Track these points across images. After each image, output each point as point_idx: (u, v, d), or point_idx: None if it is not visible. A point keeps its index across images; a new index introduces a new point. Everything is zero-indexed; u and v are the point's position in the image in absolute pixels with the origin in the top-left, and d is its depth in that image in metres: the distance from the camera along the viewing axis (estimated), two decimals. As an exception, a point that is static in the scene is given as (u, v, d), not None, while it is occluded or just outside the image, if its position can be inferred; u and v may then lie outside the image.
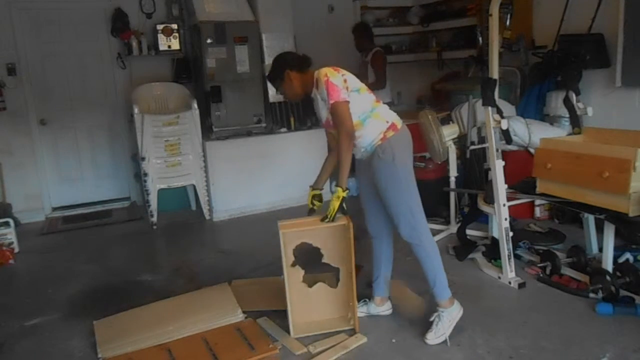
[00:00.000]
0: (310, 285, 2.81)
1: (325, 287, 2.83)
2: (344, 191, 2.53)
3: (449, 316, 2.67)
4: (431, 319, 2.67)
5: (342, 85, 2.54)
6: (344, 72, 2.63)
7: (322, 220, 2.60)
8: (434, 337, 2.61)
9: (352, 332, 2.74)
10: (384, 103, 2.73)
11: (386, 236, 2.86)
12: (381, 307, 2.93)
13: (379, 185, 2.64)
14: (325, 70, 2.58)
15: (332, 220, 2.57)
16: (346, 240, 2.66)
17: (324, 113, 2.66)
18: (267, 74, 2.81)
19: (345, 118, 2.52)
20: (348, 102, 2.54)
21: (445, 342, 2.60)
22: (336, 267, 2.80)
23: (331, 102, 2.52)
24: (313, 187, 2.80)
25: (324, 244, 2.76)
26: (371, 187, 2.73)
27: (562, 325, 2.72)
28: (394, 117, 2.67)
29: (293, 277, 2.77)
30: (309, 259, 2.77)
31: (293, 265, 2.75)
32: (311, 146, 5.17)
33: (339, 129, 2.54)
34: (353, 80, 2.62)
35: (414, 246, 2.68)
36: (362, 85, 2.65)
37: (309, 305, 2.82)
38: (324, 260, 2.79)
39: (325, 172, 2.84)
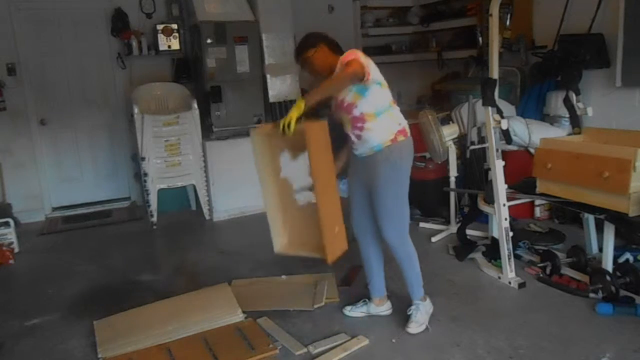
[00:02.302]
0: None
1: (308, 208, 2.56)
2: (305, 105, 2.33)
3: (425, 308, 2.78)
4: (409, 312, 2.77)
5: (366, 63, 2.50)
6: (372, 62, 2.60)
7: (275, 127, 2.37)
8: (416, 327, 2.71)
9: (353, 333, 2.74)
10: None
11: (372, 237, 2.85)
12: (381, 307, 2.94)
13: (378, 185, 2.63)
14: (356, 50, 2.55)
15: (287, 130, 2.29)
16: (309, 147, 2.33)
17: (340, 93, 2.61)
18: (296, 47, 2.72)
19: (357, 65, 2.43)
20: (365, 67, 2.46)
21: (427, 329, 2.72)
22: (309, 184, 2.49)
23: (350, 57, 2.46)
24: None
25: (293, 144, 2.49)
26: (364, 188, 2.72)
27: (562, 325, 2.72)
28: (404, 122, 2.67)
29: (269, 187, 2.59)
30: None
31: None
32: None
33: (347, 68, 2.43)
34: (377, 73, 2.59)
35: (397, 250, 2.71)
36: (384, 81, 2.62)
37: (290, 221, 2.64)
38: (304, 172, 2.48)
39: (340, 160, 2.75)
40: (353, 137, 2.64)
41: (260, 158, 2.56)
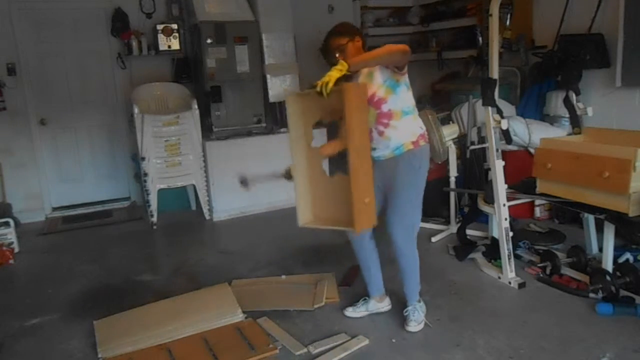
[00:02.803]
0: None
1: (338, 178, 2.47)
2: (348, 70, 2.28)
3: (421, 309, 2.82)
4: (406, 313, 2.79)
5: None
6: None
7: (312, 87, 2.26)
8: (415, 325, 2.74)
9: (353, 333, 2.74)
10: None
11: (369, 237, 2.84)
12: (381, 304, 2.95)
13: (396, 187, 2.62)
14: None
15: (325, 89, 2.20)
16: (346, 106, 2.21)
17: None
18: (337, 27, 2.68)
19: (407, 49, 2.40)
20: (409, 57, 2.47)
21: (428, 326, 2.77)
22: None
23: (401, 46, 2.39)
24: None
25: (330, 110, 2.41)
26: (376, 189, 2.64)
27: (562, 325, 2.72)
28: (424, 128, 2.71)
29: (300, 158, 2.51)
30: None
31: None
32: (311, 146, 5.18)
33: (398, 45, 2.39)
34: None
35: (403, 252, 2.70)
36: (410, 86, 2.65)
37: (317, 193, 2.55)
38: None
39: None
40: (375, 133, 2.59)
41: (293, 124, 2.48)
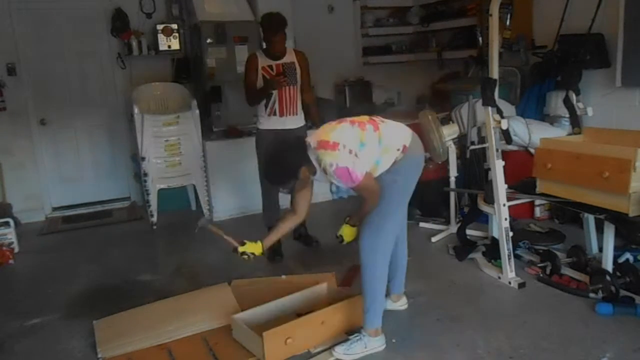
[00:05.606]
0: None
1: None
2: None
3: (368, 344, 2.53)
4: (350, 336, 2.58)
5: (351, 160, 2.33)
6: (341, 135, 2.38)
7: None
8: (341, 353, 2.50)
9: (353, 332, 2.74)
10: None
11: (401, 239, 2.82)
12: (398, 303, 2.95)
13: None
14: (328, 158, 2.32)
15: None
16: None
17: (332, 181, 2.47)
18: None
19: (374, 188, 2.44)
20: (366, 172, 2.39)
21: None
22: None
23: (354, 186, 2.37)
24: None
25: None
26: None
27: (562, 325, 2.72)
28: (403, 138, 2.52)
29: None
30: None
31: None
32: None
33: (371, 199, 2.46)
34: (352, 139, 2.39)
35: (364, 264, 2.51)
36: (362, 134, 2.42)
37: None
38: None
39: (278, 234, 2.77)
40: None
41: None
